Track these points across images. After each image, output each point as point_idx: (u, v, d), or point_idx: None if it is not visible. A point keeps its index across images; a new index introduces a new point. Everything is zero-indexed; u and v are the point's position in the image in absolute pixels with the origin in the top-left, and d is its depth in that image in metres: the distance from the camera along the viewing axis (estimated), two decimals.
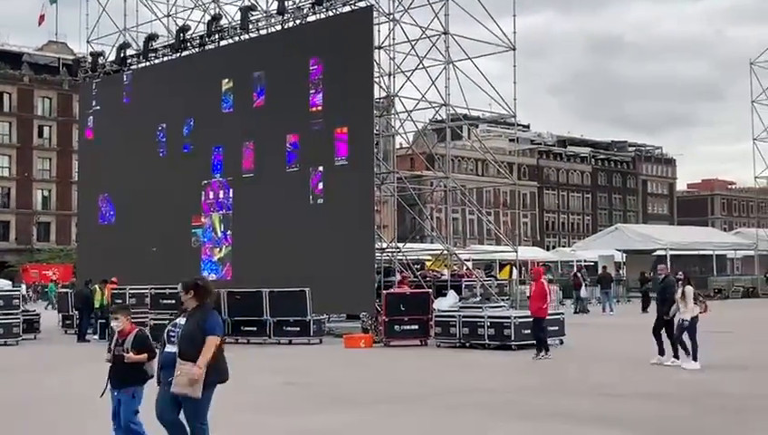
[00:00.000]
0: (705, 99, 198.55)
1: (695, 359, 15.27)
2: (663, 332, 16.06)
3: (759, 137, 50.51)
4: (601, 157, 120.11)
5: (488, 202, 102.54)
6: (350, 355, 19.00)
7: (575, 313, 33.03)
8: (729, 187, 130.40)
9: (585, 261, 56.61)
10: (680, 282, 15.96)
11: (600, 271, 38.82)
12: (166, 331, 8.01)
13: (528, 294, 18.95)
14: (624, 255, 49.48)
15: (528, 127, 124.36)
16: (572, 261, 58.50)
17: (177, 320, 7.99)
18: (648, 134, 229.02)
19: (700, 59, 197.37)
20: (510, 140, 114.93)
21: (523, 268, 50.98)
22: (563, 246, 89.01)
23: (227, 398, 13.05)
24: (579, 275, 36.53)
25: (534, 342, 17.77)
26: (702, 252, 51.88)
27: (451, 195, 30.19)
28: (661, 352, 15.96)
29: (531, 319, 19.42)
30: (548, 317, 20.19)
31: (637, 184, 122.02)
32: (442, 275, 27.47)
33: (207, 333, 7.61)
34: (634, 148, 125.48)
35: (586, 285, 34.84)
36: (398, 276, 25.83)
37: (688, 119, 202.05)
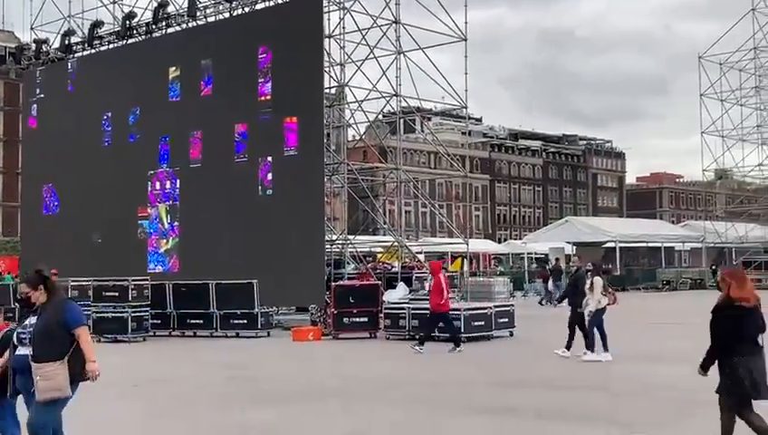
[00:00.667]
0: (654, 93, 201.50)
1: (605, 349, 15.10)
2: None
3: (707, 130, 51.14)
4: (552, 150, 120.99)
5: (440, 195, 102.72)
6: (298, 349, 18.69)
7: (540, 303, 33.38)
8: (677, 180, 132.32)
9: (536, 253, 57.02)
10: (589, 273, 15.86)
11: (553, 263, 38.92)
12: (15, 333, 7.21)
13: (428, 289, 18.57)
14: (574, 247, 49.80)
15: (480, 120, 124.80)
16: (523, 253, 58.84)
17: (27, 320, 7.18)
18: (598, 128, 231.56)
19: (649, 54, 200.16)
20: (462, 133, 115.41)
21: (474, 260, 51.14)
22: (515, 239, 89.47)
23: (170, 392, 12.75)
24: (546, 266, 36.71)
25: (448, 336, 17.33)
26: (651, 244, 52.53)
27: (402, 187, 30.00)
28: (568, 346, 15.73)
29: (481, 311, 19.42)
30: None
31: (587, 177, 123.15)
32: (392, 267, 27.26)
33: (72, 326, 6.92)
34: (584, 141, 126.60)
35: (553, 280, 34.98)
36: (351, 266, 25.64)
37: (637, 113, 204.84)
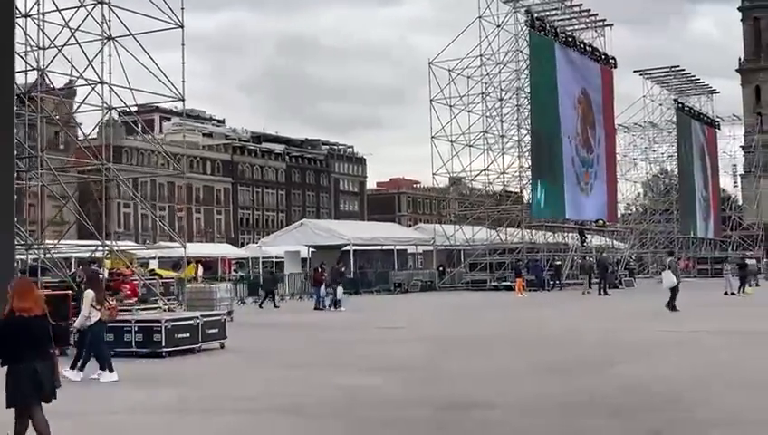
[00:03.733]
0: (393, 102, 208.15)
1: (110, 370, 13.65)
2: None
3: (437, 135, 52.23)
4: (295, 154, 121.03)
5: (180, 198, 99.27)
6: None
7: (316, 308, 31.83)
8: (414, 185, 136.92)
9: (276, 257, 55.82)
10: (83, 284, 14.64)
11: (332, 267, 36.78)
12: None
13: None
14: (310, 250, 49.18)
15: (223, 122, 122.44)
16: (260, 257, 57.59)
17: None
18: (341, 134, 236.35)
19: (386, 64, 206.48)
20: (204, 135, 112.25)
21: (212, 266, 49.02)
22: (257, 243, 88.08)
23: None
24: (320, 269, 34.71)
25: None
26: (384, 247, 53.00)
27: (120, 188, 27.54)
28: (75, 365, 13.91)
29: (186, 322, 17.70)
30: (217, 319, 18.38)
31: (330, 182, 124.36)
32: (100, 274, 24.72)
33: None
34: (327, 146, 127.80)
35: (326, 284, 33.08)
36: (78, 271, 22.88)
37: (378, 120, 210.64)
